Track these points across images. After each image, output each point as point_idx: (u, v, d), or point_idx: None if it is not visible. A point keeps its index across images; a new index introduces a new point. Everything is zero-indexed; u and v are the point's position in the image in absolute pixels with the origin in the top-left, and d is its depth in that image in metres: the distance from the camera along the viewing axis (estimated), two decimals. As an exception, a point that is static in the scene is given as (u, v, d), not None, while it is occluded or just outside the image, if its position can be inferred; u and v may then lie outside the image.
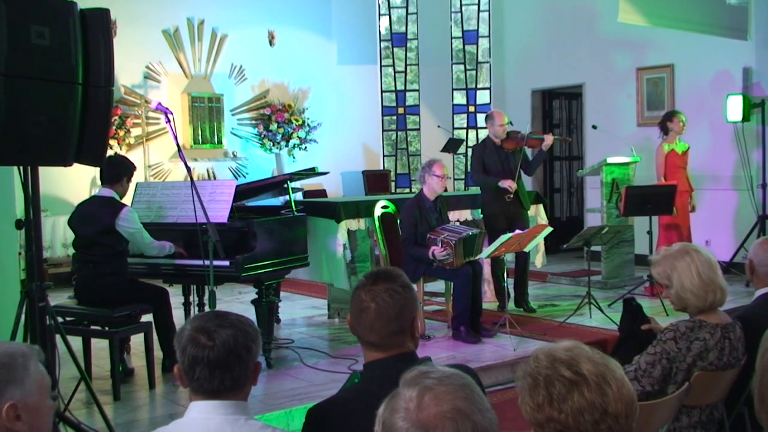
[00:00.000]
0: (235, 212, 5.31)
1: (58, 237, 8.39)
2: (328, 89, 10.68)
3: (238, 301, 7.48)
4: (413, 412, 1.32)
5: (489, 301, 7.05)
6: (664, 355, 2.78)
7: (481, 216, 6.99)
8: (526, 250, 6.14)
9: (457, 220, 6.86)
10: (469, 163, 10.67)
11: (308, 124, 10.20)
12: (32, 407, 1.68)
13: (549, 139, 6.83)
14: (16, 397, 1.65)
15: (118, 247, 4.88)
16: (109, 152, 6.68)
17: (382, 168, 10.77)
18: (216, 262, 4.53)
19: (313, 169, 6.89)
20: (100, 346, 5.13)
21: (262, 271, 5.12)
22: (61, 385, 3.83)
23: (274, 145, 10.06)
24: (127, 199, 5.80)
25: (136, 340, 5.32)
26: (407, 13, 10.64)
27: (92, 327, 4.97)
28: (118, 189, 4.96)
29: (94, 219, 4.85)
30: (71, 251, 6.01)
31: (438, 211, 6.07)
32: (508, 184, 6.61)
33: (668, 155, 7.43)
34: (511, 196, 6.65)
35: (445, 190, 6.25)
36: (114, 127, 8.56)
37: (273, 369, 5.19)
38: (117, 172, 4.94)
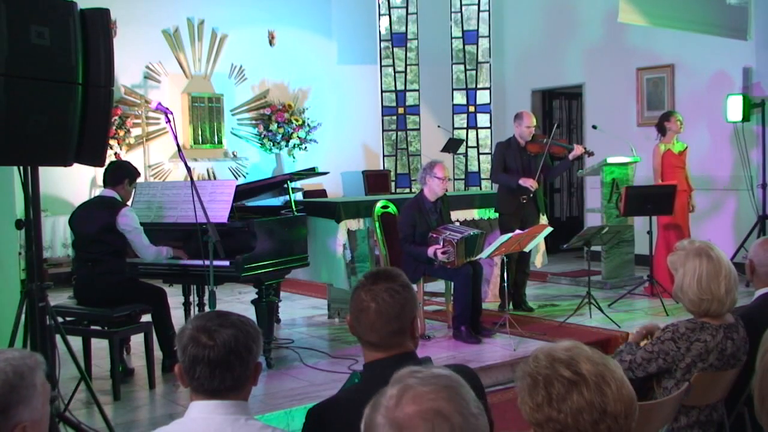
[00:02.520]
0: (235, 212, 5.31)
1: (58, 237, 8.39)
2: (328, 89, 10.68)
3: (238, 301, 7.48)
4: (391, 410, 1.31)
5: (490, 301, 7.07)
6: (662, 355, 2.79)
7: (497, 215, 6.97)
8: (526, 250, 6.15)
9: (457, 220, 6.86)
10: (469, 163, 10.70)
11: (308, 124, 10.20)
12: (37, 422, 1.67)
13: (578, 149, 6.72)
14: (24, 417, 1.63)
15: (117, 245, 4.89)
16: (109, 152, 6.69)
17: (382, 168, 10.77)
18: (216, 262, 4.53)
19: (313, 169, 6.89)
20: (100, 346, 5.13)
21: (262, 271, 5.12)
22: (61, 385, 3.83)
23: (274, 145, 10.06)
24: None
25: (136, 340, 5.32)
26: (407, 13, 10.64)
27: (92, 327, 4.97)
28: (121, 192, 5.00)
29: (94, 217, 4.88)
30: (71, 251, 6.02)
31: (438, 212, 6.07)
32: (529, 183, 6.58)
33: (664, 155, 7.44)
34: (525, 198, 6.61)
35: (446, 192, 6.24)
36: (114, 127, 8.56)
37: (273, 369, 5.19)
38: (119, 174, 4.98)
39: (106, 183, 5.03)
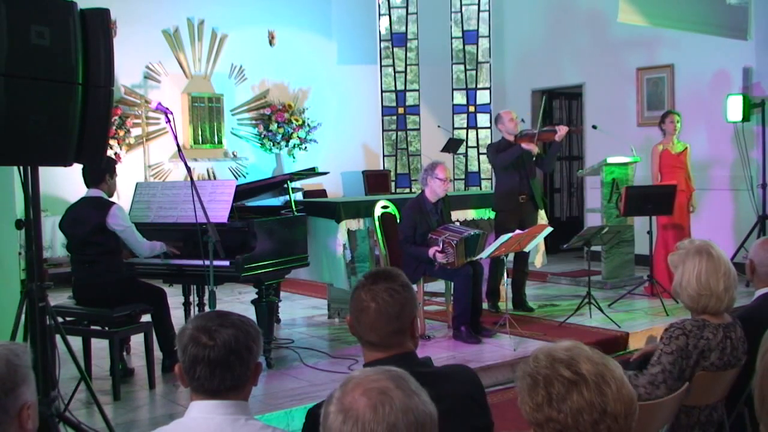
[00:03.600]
0: (235, 212, 5.32)
1: (58, 237, 8.36)
2: (328, 89, 10.69)
3: (238, 301, 7.48)
4: (339, 399, 1.42)
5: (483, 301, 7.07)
6: (679, 353, 2.77)
7: (493, 214, 6.98)
8: (526, 250, 6.15)
9: (457, 220, 6.86)
10: (469, 163, 10.70)
11: (308, 124, 10.20)
12: (35, 405, 1.72)
13: (563, 129, 6.77)
14: (27, 397, 1.68)
15: (111, 245, 4.88)
16: (109, 152, 6.68)
17: (382, 168, 10.77)
18: (216, 262, 4.53)
19: (313, 169, 6.89)
20: (100, 346, 5.13)
21: (262, 271, 5.12)
22: (61, 385, 3.83)
23: (274, 145, 10.06)
24: (125, 198, 5.80)
25: (136, 340, 5.32)
26: (407, 13, 10.64)
27: (92, 327, 4.97)
28: (104, 188, 4.97)
29: (84, 220, 4.86)
30: (70, 252, 6.00)
31: (439, 213, 6.07)
32: (531, 146, 6.61)
33: (662, 155, 7.46)
34: (525, 197, 6.66)
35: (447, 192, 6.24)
36: (114, 127, 8.56)
37: (273, 369, 5.20)
38: (98, 171, 4.91)
39: (89, 183, 4.97)
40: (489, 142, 10.43)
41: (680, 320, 2.86)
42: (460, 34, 10.64)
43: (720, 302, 2.79)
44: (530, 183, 6.73)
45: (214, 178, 9.53)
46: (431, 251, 5.74)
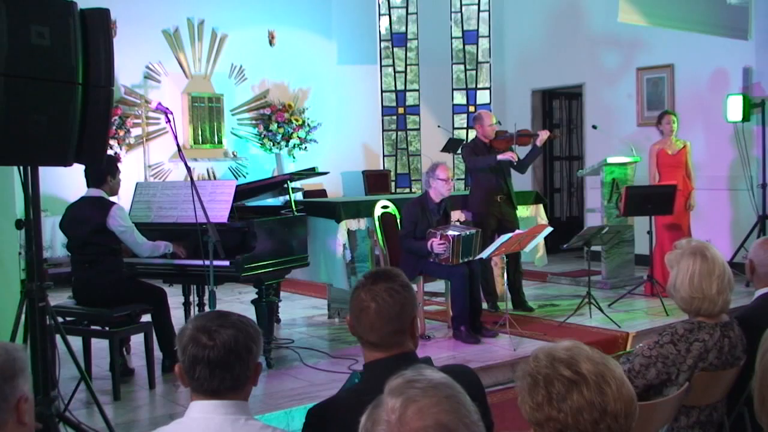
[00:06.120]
0: (235, 212, 5.32)
1: (58, 237, 8.37)
2: (328, 89, 10.68)
3: (238, 301, 7.48)
4: (395, 426, 1.29)
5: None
6: (660, 359, 2.77)
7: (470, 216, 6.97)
8: (526, 250, 6.14)
9: (458, 220, 6.86)
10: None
11: (308, 124, 10.20)
12: (31, 401, 1.73)
13: (544, 134, 6.85)
14: (25, 390, 1.69)
15: (112, 245, 4.88)
16: (109, 152, 6.67)
17: (382, 168, 10.77)
18: (216, 262, 4.53)
19: (313, 169, 6.89)
20: (100, 346, 5.13)
21: (262, 271, 5.12)
22: (61, 385, 3.83)
23: (274, 145, 10.06)
24: (125, 198, 5.79)
25: (136, 340, 5.32)
26: (407, 13, 10.64)
27: (92, 327, 4.97)
28: (106, 189, 4.95)
29: (85, 220, 4.85)
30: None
31: (441, 213, 6.07)
32: (509, 155, 6.63)
33: (658, 155, 7.47)
34: (502, 197, 6.69)
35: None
36: (114, 127, 8.56)
37: (273, 369, 5.20)
38: (99, 172, 4.88)
39: (90, 183, 4.95)
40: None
41: (674, 323, 2.86)
42: (460, 34, 10.64)
43: (713, 305, 2.78)
44: (507, 183, 6.78)
45: (214, 178, 9.53)
46: (429, 242, 5.74)
